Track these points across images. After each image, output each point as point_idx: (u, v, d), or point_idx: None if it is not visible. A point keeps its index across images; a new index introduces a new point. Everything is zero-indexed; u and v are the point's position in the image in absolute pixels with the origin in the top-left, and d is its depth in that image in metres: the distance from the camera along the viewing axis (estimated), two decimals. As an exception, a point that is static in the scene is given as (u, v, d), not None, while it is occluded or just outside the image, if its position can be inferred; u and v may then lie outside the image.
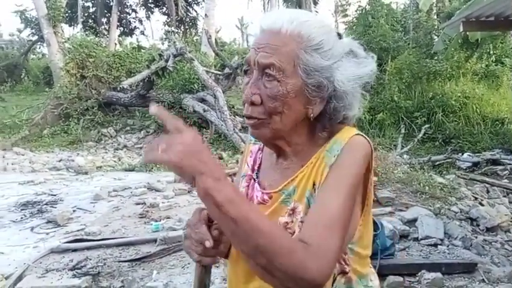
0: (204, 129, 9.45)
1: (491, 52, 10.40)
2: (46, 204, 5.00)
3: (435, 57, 9.97)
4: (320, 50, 0.86)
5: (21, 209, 4.83)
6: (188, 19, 20.78)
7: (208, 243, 0.74)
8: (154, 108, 0.75)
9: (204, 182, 0.71)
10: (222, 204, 0.71)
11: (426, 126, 8.52)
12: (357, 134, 0.89)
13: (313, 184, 0.88)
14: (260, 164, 1.03)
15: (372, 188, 0.94)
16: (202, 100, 9.33)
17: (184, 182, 0.84)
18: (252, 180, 1.01)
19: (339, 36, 0.91)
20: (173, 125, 0.74)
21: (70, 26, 19.27)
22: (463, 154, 7.24)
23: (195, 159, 0.71)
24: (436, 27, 11.57)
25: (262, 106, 0.87)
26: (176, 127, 0.74)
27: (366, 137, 0.90)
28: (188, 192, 5.33)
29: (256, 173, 1.02)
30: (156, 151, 0.70)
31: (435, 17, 12.43)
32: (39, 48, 20.00)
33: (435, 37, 10.95)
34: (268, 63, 0.85)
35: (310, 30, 0.86)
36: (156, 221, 4.17)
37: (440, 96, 9.12)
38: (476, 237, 3.67)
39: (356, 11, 11.32)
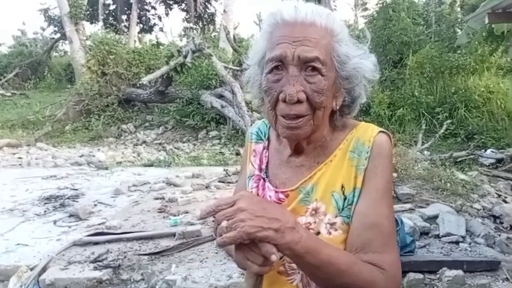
0: (222, 125, 9.50)
1: (518, 45, 10.04)
2: (68, 198, 5.11)
3: (459, 51, 9.71)
4: (348, 42, 0.88)
5: (45, 203, 4.95)
6: (206, 15, 20.86)
7: (275, 257, 0.70)
8: (199, 213, 0.76)
9: (281, 238, 0.71)
10: (302, 256, 0.74)
11: (448, 121, 8.31)
12: (380, 132, 0.88)
13: (342, 187, 0.86)
14: (267, 163, 1.00)
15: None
16: (220, 96, 9.35)
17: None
18: (262, 180, 0.98)
19: None
20: (225, 203, 0.73)
21: (91, 23, 19.61)
22: (486, 150, 7.04)
23: (265, 219, 0.71)
24: (460, 20, 11.25)
25: (306, 102, 0.83)
26: (227, 203, 0.73)
27: (386, 131, 0.89)
28: (206, 187, 5.37)
29: (265, 172, 0.99)
30: (224, 233, 0.70)
31: (458, 9, 12.08)
32: (62, 45, 20.49)
33: (459, 30, 10.65)
34: (313, 57, 0.82)
35: (337, 23, 0.87)
36: (175, 215, 4.22)
37: (463, 91, 8.88)
38: (499, 235, 3.57)
39: (376, 5, 11.13)
